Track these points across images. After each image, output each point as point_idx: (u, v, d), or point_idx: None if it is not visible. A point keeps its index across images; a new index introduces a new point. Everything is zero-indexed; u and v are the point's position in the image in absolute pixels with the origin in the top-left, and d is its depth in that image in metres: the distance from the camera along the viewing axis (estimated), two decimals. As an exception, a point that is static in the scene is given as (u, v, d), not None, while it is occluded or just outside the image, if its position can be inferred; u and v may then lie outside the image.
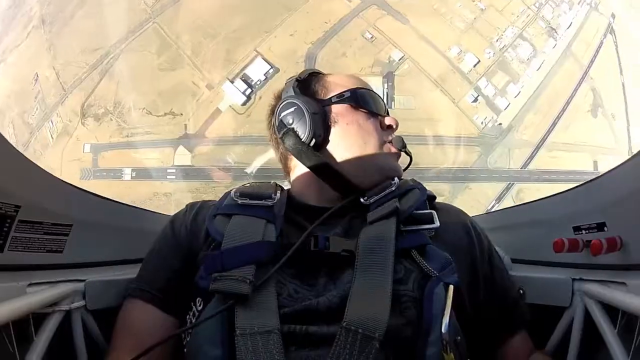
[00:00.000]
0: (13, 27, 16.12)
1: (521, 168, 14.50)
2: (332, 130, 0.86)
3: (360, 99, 0.88)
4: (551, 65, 15.49)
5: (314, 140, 0.83)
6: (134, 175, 14.30)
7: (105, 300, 0.83)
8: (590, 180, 0.82)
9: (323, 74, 0.98)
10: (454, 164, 14.09)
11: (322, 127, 0.85)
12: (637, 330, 0.66)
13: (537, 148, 14.71)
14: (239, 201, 0.81)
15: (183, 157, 14.13)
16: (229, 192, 0.86)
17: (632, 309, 0.63)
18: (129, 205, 1.07)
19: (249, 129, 13.93)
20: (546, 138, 14.79)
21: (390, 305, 0.63)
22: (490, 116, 14.74)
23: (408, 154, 0.93)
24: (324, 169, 0.84)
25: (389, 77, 14.68)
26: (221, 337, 0.63)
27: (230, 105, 14.48)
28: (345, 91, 0.88)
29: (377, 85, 14.44)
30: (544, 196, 0.99)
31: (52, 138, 15.03)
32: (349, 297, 0.64)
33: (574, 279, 0.80)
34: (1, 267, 0.66)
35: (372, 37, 15.16)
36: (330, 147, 0.86)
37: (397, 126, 0.92)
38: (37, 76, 15.55)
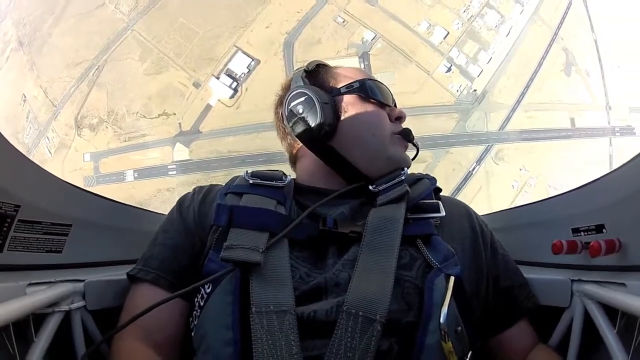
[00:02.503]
0: (-11, 55, 16.34)
1: (499, 130, 15.30)
2: (342, 119, 0.86)
3: (369, 90, 0.88)
4: (520, 30, 16.17)
5: (324, 129, 0.83)
6: (136, 176, 14.83)
7: (104, 300, 0.82)
8: (589, 183, 0.82)
9: (330, 66, 0.98)
10: (435, 131, 14.87)
11: (332, 117, 0.85)
12: (636, 330, 0.66)
13: (513, 110, 15.45)
14: (251, 181, 0.81)
15: (181, 152, 14.78)
16: (237, 176, 0.88)
17: (632, 309, 0.63)
18: (129, 205, 1.07)
19: (239, 119, 14.57)
20: (521, 100, 15.54)
21: (393, 289, 0.63)
22: (465, 84, 15.54)
23: (415, 145, 0.93)
24: (334, 157, 0.85)
25: (364, 57, 15.40)
26: (232, 318, 0.62)
27: (219, 100, 15.12)
28: (354, 82, 0.89)
29: (354, 65, 14.93)
30: (543, 198, 1.01)
31: (51, 153, 15.46)
32: (352, 277, 0.64)
33: (573, 280, 0.80)
34: (1, 267, 0.66)
35: (343, 21, 15.77)
36: (339, 137, 0.86)
37: (405, 118, 0.93)
38: (25, 97, 15.85)
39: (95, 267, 0.88)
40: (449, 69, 15.64)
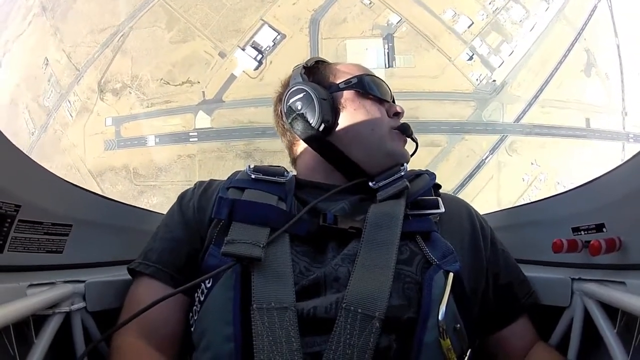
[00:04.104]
0: (11, 20, 16.63)
1: (514, 122, 15.36)
2: (341, 115, 0.86)
3: (367, 86, 0.88)
4: (544, 26, 16.07)
5: (323, 125, 0.83)
6: (157, 141, 15.05)
7: (105, 301, 0.81)
8: (590, 181, 0.81)
9: (329, 62, 0.99)
10: (451, 117, 15.02)
11: (330, 113, 0.85)
12: (636, 329, 0.65)
13: (530, 104, 15.46)
14: (253, 176, 0.81)
15: (203, 120, 15.01)
16: (238, 171, 0.88)
17: (632, 308, 0.63)
18: (130, 205, 1.06)
19: (262, 91, 14.71)
20: (539, 95, 15.52)
21: (392, 285, 0.63)
22: (485, 73, 15.55)
23: (414, 140, 0.93)
24: (333, 153, 0.86)
25: (388, 39, 15.42)
26: (233, 314, 0.62)
27: (243, 71, 15.33)
28: (352, 78, 0.89)
29: (378, 46, 15.27)
30: (543, 197, 1.00)
31: (72, 116, 15.74)
32: (351, 274, 0.65)
33: (573, 279, 0.80)
34: (1, 268, 0.65)
35: (370, 3, 15.75)
36: (338, 132, 0.86)
37: (403, 113, 0.93)
38: (47, 61, 16.11)
39: (95, 268, 0.88)
40: (471, 58, 15.66)
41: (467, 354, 0.67)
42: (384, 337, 0.61)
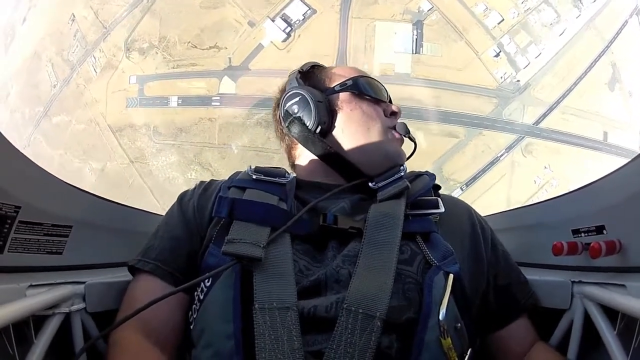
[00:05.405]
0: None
1: (533, 124, 15.35)
2: (337, 117, 0.88)
3: (362, 87, 0.90)
4: (573, 33, 15.86)
5: (319, 127, 0.85)
6: (180, 102, 15.14)
7: (105, 302, 0.81)
8: (590, 184, 0.81)
9: (324, 66, 1.01)
10: (472, 111, 14.99)
11: (327, 115, 0.86)
12: (636, 332, 0.65)
13: (551, 108, 15.38)
14: (254, 176, 0.82)
15: (228, 86, 15.10)
16: (239, 171, 0.89)
17: (631, 311, 0.63)
18: (130, 207, 1.07)
19: (288, 63, 14.66)
20: (560, 101, 15.42)
21: (393, 285, 0.64)
22: (510, 72, 15.43)
23: (412, 139, 0.94)
24: (330, 154, 0.86)
25: (418, 25, 15.31)
26: (233, 312, 0.63)
27: (271, 41, 15.38)
28: (347, 80, 0.90)
29: (407, 31, 15.16)
30: (544, 199, 1.00)
31: (96, 72, 15.91)
32: (353, 275, 0.65)
33: (573, 282, 0.79)
34: (1, 269, 0.65)
35: (403, -12, 15.66)
36: (335, 134, 0.87)
37: (400, 114, 0.93)
38: (74, 17, 16.22)
39: (95, 269, 0.89)
40: (498, 55, 15.54)
41: (468, 353, 0.68)
42: (385, 337, 0.61)
